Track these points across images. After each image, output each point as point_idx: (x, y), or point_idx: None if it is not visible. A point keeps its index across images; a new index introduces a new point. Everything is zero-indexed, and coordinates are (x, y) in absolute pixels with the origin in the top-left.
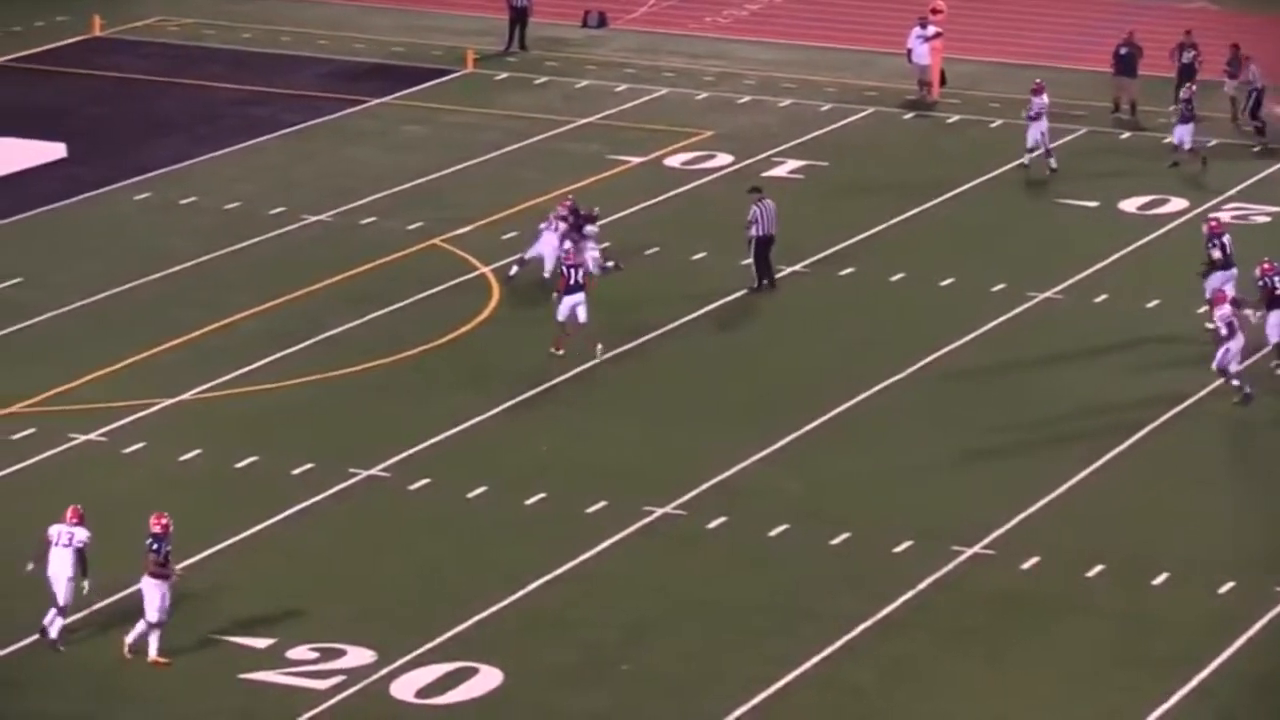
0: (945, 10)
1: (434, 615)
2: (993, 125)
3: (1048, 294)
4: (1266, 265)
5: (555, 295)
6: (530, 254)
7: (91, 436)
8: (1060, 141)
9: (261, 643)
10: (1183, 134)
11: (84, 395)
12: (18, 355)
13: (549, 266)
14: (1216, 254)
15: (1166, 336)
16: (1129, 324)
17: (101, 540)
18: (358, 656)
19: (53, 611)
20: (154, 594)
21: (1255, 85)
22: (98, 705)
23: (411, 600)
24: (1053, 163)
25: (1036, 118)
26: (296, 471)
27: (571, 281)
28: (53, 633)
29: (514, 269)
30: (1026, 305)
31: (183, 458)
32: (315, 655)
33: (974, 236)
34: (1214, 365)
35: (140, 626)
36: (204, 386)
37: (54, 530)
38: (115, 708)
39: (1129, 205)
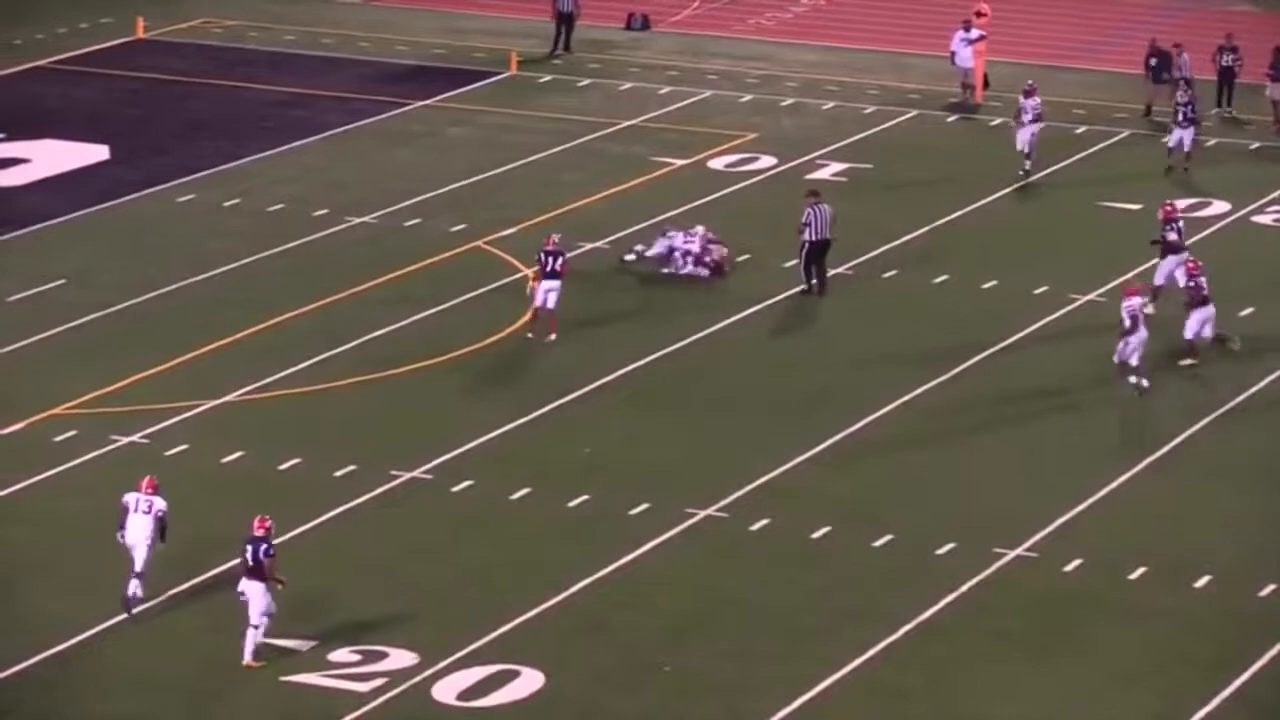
0: (989, 13)
1: (476, 617)
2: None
3: (1090, 296)
4: (1191, 264)
5: (532, 284)
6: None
7: (134, 438)
8: (1102, 145)
9: (304, 645)
10: (1181, 137)
11: (127, 397)
12: (61, 357)
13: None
14: (1172, 236)
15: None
16: (1170, 329)
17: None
18: (399, 659)
19: (132, 578)
20: (258, 597)
21: None
22: (140, 707)
23: (453, 603)
24: (1028, 165)
25: (1034, 121)
26: (339, 473)
27: (549, 269)
28: (130, 590)
29: (631, 255)
30: (1069, 308)
31: (225, 459)
32: (357, 658)
33: (1016, 239)
34: (1115, 358)
35: (250, 634)
36: (247, 388)
37: (130, 498)
38: (158, 709)
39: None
